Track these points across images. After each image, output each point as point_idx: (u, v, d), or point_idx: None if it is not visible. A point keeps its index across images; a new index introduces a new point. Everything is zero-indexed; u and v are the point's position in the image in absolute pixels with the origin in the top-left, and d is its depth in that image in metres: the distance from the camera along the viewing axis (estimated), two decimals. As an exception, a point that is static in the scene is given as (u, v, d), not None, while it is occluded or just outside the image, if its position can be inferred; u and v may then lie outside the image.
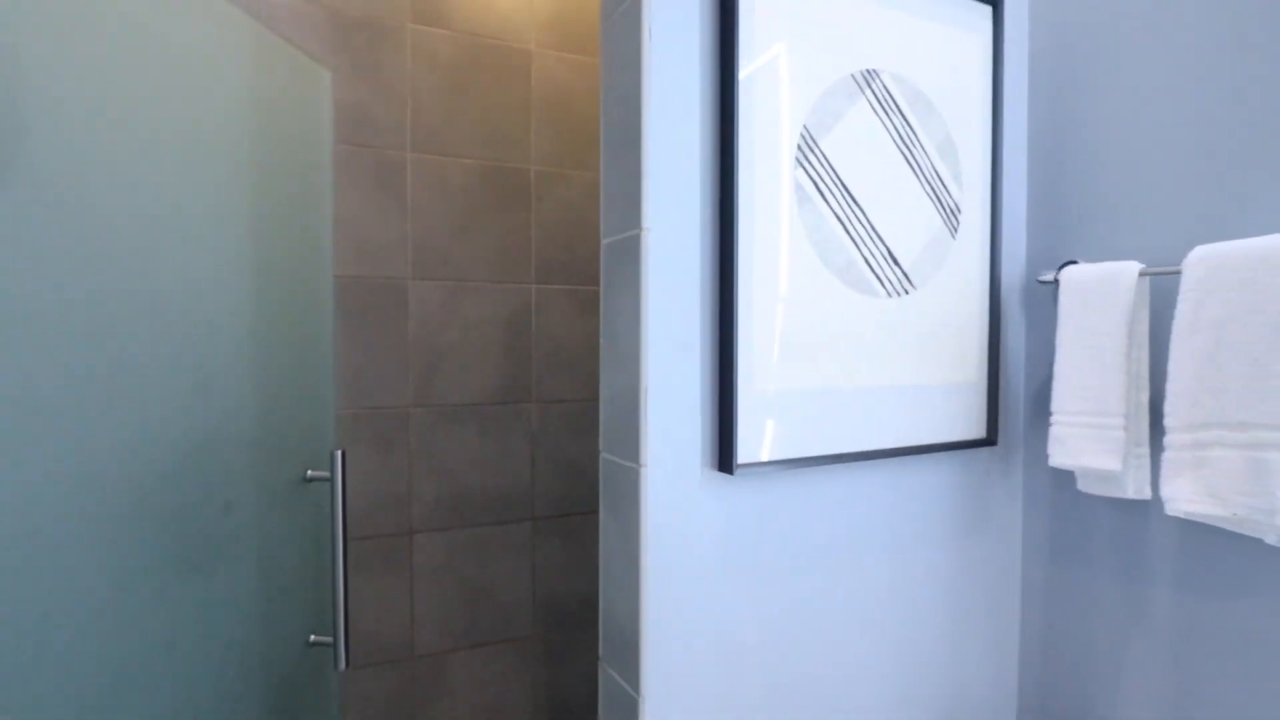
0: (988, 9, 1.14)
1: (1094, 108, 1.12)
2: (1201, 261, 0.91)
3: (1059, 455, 1.07)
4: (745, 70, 0.93)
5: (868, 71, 1.03)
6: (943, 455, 1.16)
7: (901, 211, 1.06)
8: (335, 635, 1.25)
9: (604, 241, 1.01)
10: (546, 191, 1.85)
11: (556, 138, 1.86)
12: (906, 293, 1.07)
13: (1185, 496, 0.90)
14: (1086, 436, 1.03)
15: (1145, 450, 1.01)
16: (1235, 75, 0.95)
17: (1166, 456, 0.92)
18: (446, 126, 1.74)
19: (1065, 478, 1.16)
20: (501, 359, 1.82)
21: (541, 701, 1.91)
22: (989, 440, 1.16)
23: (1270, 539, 0.87)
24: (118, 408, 0.88)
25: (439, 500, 1.75)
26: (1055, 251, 1.18)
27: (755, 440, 0.95)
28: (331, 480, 1.21)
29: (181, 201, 0.97)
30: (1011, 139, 1.21)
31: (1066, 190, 1.16)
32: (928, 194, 1.09)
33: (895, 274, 1.06)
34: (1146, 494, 1.01)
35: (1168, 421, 0.92)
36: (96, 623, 0.86)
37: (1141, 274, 1.00)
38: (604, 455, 1.01)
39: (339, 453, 1.21)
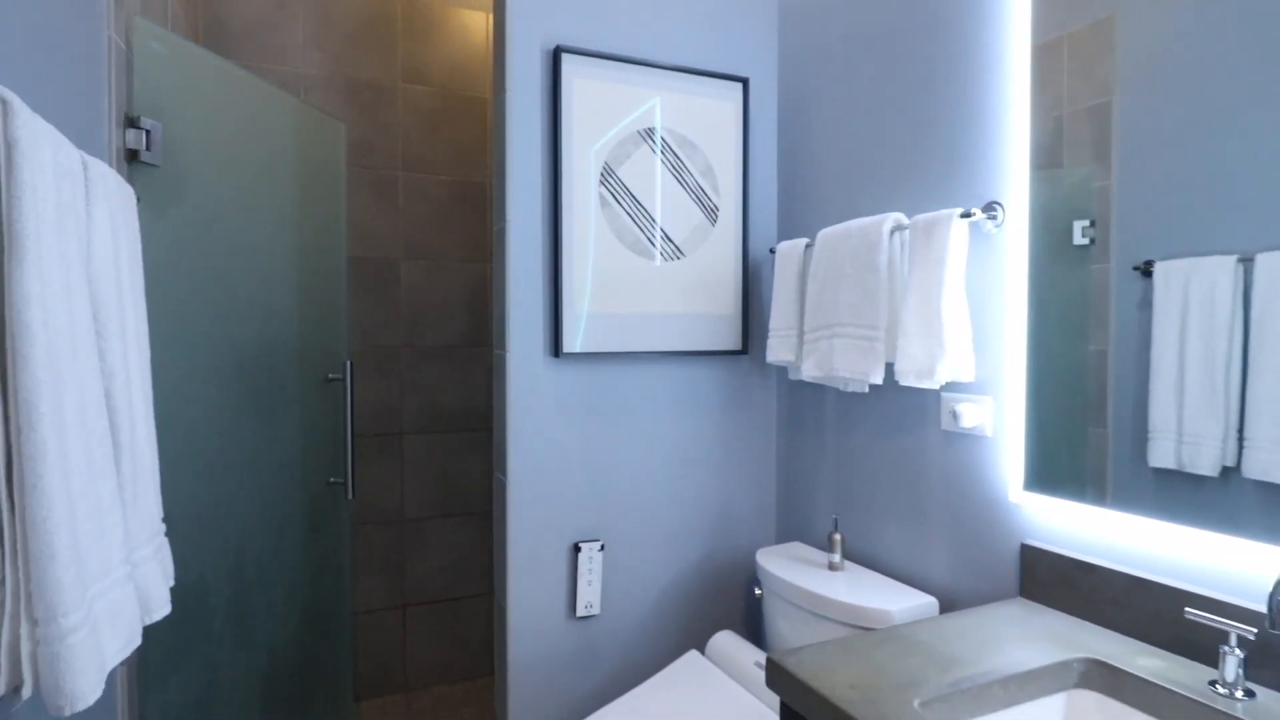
0: (739, 85, 1.86)
1: (810, 141, 1.82)
2: (821, 236, 1.61)
3: (770, 356, 1.77)
4: (566, 130, 1.66)
5: (648, 129, 1.75)
6: (712, 358, 1.87)
7: (674, 210, 1.78)
8: (345, 477, 2.01)
9: (495, 228, 1.75)
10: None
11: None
12: (679, 259, 1.79)
13: (808, 368, 1.61)
14: (780, 343, 1.74)
15: (800, 348, 1.72)
16: (870, 127, 1.66)
17: (804, 348, 1.63)
18: (427, 153, 2.50)
19: (785, 372, 1.87)
20: (466, 315, 2.58)
21: (488, 558, 2.66)
22: (744, 350, 1.87)
23: (852, 388, 1.58)
24: (230, 325, 1.65)
25: (421, 412, 2.52)
26: (793, 232, 1.89)
27: (574, 340, 1.68)
28: (343, 378, 1.98)
29: (264, 212, 1.74)
30: (765, 161, 1.92)
31: (795, 193, 1.87)
32: (693, 200, 1.81)
33: (670, 248, 1.78)
34: (802, 375, 1.72)
35: (805, 326, 1.63)
36: (218, 437, 1.63)
37: (806, 246, 1.70)
38: (495, 351, 1.75)
39: (348, 362, 1.98)
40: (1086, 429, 1.17)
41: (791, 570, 1.58)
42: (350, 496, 2.03)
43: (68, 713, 0.79)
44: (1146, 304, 1.09)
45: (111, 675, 1.33)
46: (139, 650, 1.46)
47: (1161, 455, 1.06)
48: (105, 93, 1.30)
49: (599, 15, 1.71)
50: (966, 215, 1.30)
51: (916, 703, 0.91)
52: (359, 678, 2.47)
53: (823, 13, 1.76)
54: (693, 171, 1.80)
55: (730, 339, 1.87)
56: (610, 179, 1.71)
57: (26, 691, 0.79)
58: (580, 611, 1.72)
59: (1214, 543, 1.00)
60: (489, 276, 2.62)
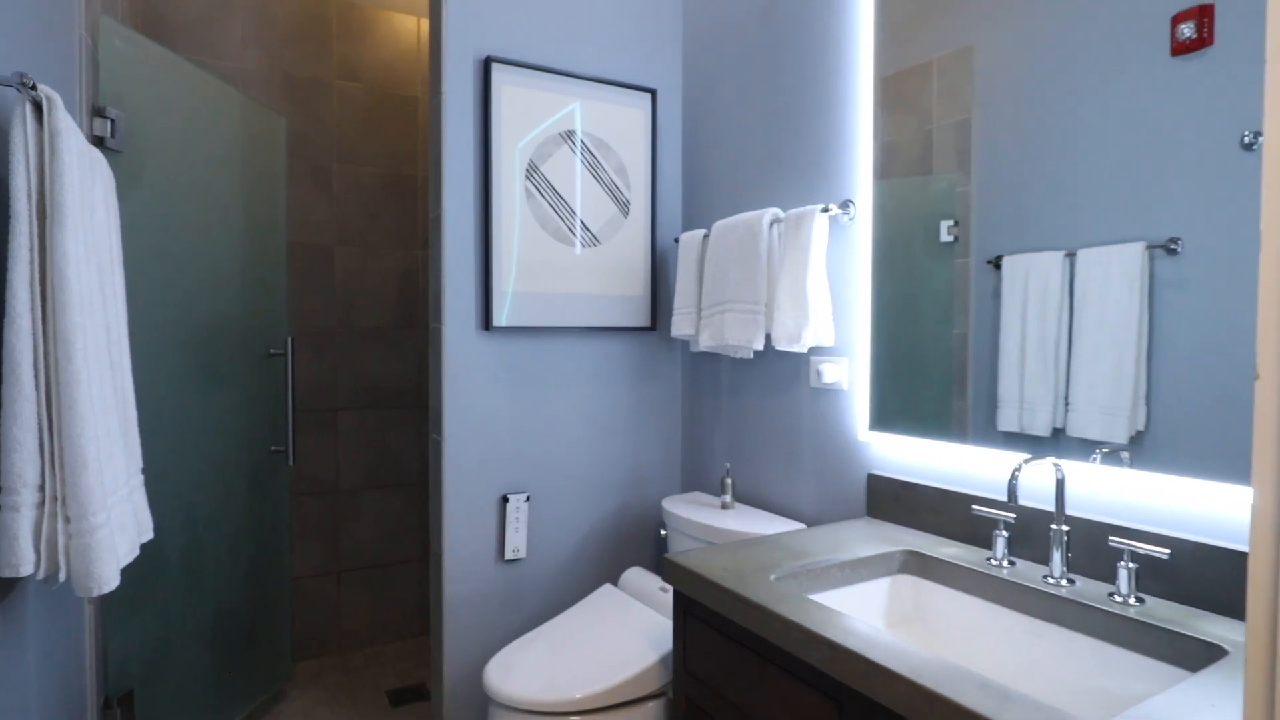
0: (649, 95, 2.13)
1: (709, 145, 2.11)
2: (716, 227, 1.90)
3: (674, 331, 2.05)
4: (496, 131, 1.89)
5: (569, 131, 2.00)
6: (625, 334, 2.13)
7: (591, 203, 2.04)
8: (287, 445, 2.17)
9: (431, 215, 1.96)
10: (427, 190, 2.79)
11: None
12: (595, 246, 2.05)
13: (705, 340, 1.90)
14: (682, 319, 2.02)
15: (699, 323, 2.00)
16: (756, 135, 1.96)
17: (701, 323, 1.91)
18: (360, 146, 2.67)
19: (687, 344, 2.15)
20: (397, 298, 2.75)
21: (420, 527, 2.84)
22: (652, 327, 2.15)
23: (740, 355, 1.87)
24: (182, 302, 1.80)
25: (355, 389, 2.68)
26: (694, 224, 2.17)
27: (503, 315, 1.91)
28: (285, 353, 2.14)
29: (213, 198, 1.89)
30: (671, 161, 2.20)
31: (696, 189, 2.16)
32: (608, 194, 2.07)
33: (588, 236, 2.04)
34: (700, 346, 2.00)
35: (702, 304, 1.92)
36: (172, 403, 1.78)
37: (705, 236, 1.99)
38: (431, 324, 1.96)
39: (289, 338, 2.14)
40: (947, 399, 1.45)
41: (691, 511, 1.87)
42: (291, 463, 2.19)
43: (95, 593, 0.98)
44: (997, 293, 1.34)
45: (80, 617, 1.48)
46: (103, 596, 1.60)
47: (1007, 421, 1.32)
48: (76, 84, 1.45)
49: (525, 30, 1.94)
50: (826, 210, 1.61)
51: (772, 577, 1.19)
52: (296, 639, 2.62)
53: (719, 37, 2.05)
54: (608, 169, 2.06)
55: (640, 317, 2.14)
56: (535, 174, 1.95)
57: (62, 576, 0.97)
58: (508, 555, 1.95)
59: (1000, 458, 1.34)
60: (420, 262, 2.80)
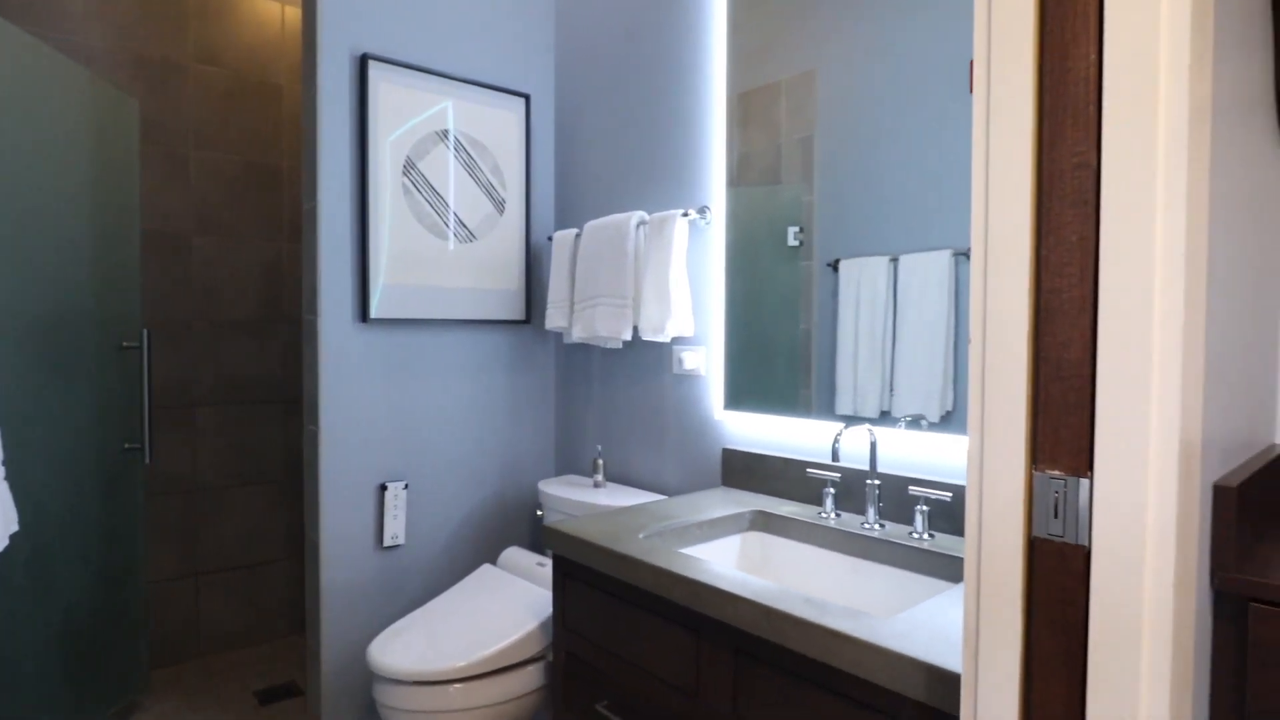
0: (523, 100, 2.24)
1: (581, 150, 2.25)
2: (587, 227, 2.04)
3: (548, 324, 2.18)
4: (373, 127, 1.93)
5: (445, 130, 2.07)
6: (501, 326, 2.23)
7: (467, 200, 2.12)
8: (143, 442, 2.09)
9: (305, 207, 1.97)
10: (292, 180, 2.74)
11: (300, 142, 2.75)
12: (472, 241, 2.14)
13: (577, 332, 2.04)
14: (556, 312, 2.15)
15: (571, 315, 2.15)
16: (625, 143, 2.11)
17: (574, 316, 2.05)
18: (221, 133, 2.58)
19: (561, 336, 2.29)
20: (262, 290, 2.69)
21: (287, 524, 2.79)
22: (527, 320, 2.26)
23: (610, 346, 2.03)
24: (25, 292, 1.71)
25: (216, 383, 2.59)
26: (566, 223, 2.31)
27: (380, 307, 1.96)
28: (140, 346, 2.06)
29: (60, 183, 1.80)
30: (545, 163, 2.32)
31: (569, 191, 2.29)
32: (484, 192, 2.16)
33: (464, 232, 2.12)
34: (573, 338, 2.15)
35: (575, 299, 2.06)
36: (15, 398, 1.69)
37: (577, 235, 2.13)
38: (306, 316, 1.97)
39: (145, 330, 2.07)
40: (793, 382, 1.67)
41: (566, 491, 2.00)
42: (148, 460, 2.11)
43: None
44: (835, 292, 1.56)
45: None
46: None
47: (843, 405, 1.55)
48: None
49: (403, 30, 1.99)
50: (686, 215, 1.81)
51: (641, 536, 1.36)
52: (154, 646, 2.49)
53: (590, 51, 2.20)
54: (484, 169, 2.16)
55: (516, 310, 2.24)
56: (412, 171, 2.01)
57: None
58: (387, 542, 2.00)
59: (830, 428, 1.58)
60: (286, 253, 2.74)
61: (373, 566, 1.99)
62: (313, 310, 1.91)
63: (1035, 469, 0.61)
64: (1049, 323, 0.60)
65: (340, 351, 1.92)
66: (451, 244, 2.09)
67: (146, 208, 2.45)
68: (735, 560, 1.51)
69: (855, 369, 1.52)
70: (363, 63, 1.91)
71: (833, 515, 1.47)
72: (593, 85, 2.19)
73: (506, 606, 1.79)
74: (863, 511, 1.48)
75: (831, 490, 1.47)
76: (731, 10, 1.76)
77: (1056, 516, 0.60)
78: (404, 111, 1.99)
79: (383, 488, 1.99)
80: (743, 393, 1.74)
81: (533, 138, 2.29)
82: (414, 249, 2.02)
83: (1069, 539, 0.60)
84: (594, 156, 2.19)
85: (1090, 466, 0.58)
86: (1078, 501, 0.59)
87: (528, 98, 2.24)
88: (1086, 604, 0.59)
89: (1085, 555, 0.59)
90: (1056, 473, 0.60)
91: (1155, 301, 0.55)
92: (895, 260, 1.45)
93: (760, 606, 1.01)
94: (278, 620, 2.77)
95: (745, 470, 1.73)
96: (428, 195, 2.04)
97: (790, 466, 1.62)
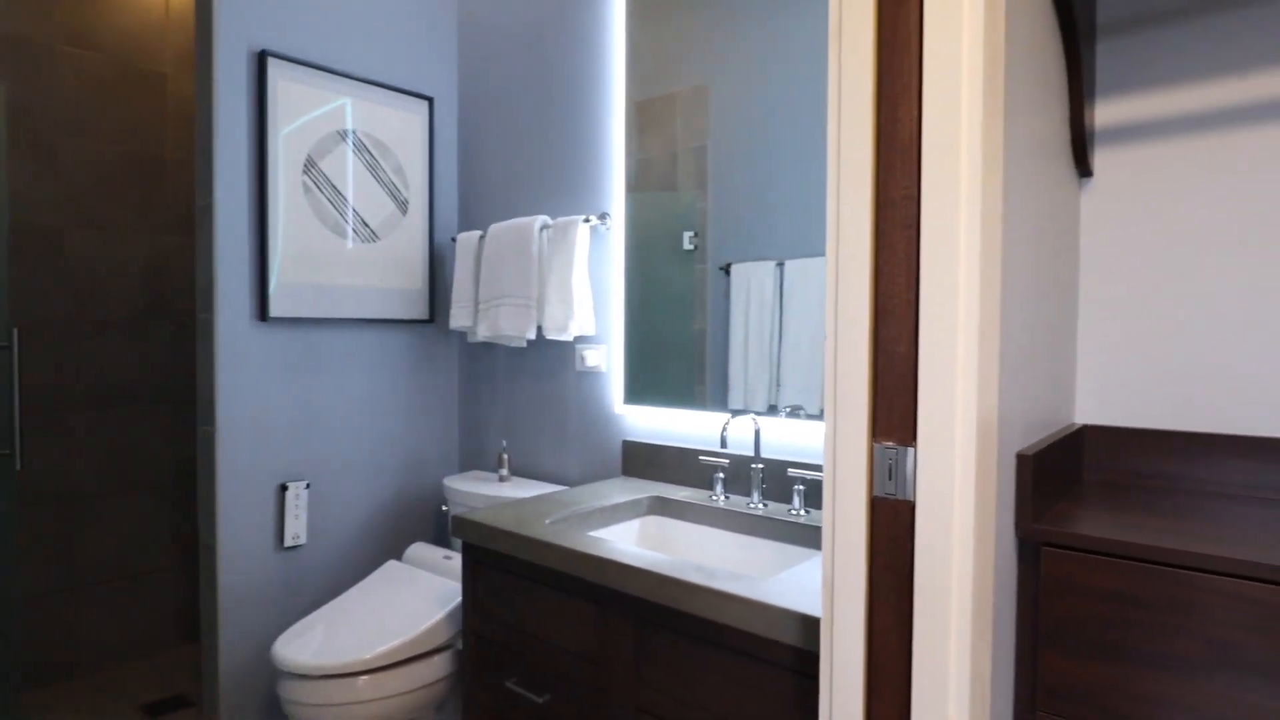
0: (426, 103, 2.27)
1: (485, 154, 2.31)
2: (492, 230, 2.11)
3: (453, 323, 2.22)
4: (272, 124, 1.92)
5: (347, 130, 2.08)
6: (404, 325, 2.26)
7: (370, 200, 2.14)
8: (13, 447, 1.98)
9: (199, 203, 1.93)
10: (178, 172, 2.64)
11: (186, 134, 2.65)
12: (374, 241, 2.15)
13: (482, 331, 2.10)
14: (460, 311, 2.20)
15: (476, 315, 2.21)
16: (528, 148, 2.18)
17: (479, 315, 2.11)
18: (97, 121, 2.45)
19: (465, 335, 2.34)
20: (146, 286, 2.57)
21: (175, 530, 2.69)
22: (431, 319, 2.30)
23: (514, 344, 2.10)
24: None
25: (94, 385, 2.46)
26: (471, 224, 2.36)
27: (280, 306, 1.95)
28: (9, 345, 1.95)
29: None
30: (448, 165, 2.36)
31: (472, 193, 2.34)
32: (387, 193, 2.18)
33: (366, 231, 2.13)
34: (478, 337, 2.21)
35: (479, 298, 2.12)
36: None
37: (481, 237, 2.19)
38: (201, 315, 1.93)
39: (14, 329, 1.96)
40: (688, 378, 1.79)
41: (471, 485, 2.06)
42: (19, 467, 2.00)
43: None
44: (728, 294, 1.69)
45: None
46: None
47: (735, 399, 1.68)
48: None
49: (304, 28, 1.99)
50: (588, 221, 1.91)
51: (547, 521, 1.45)
52: (28, 665, 2.34)
53: (494, 58, 2.26)
54: (386, 169, 2.18)
55: (419, 309, 2.28)
56: (313, 169, 2.01)
57: None
58: (288, 542, 1.99)
59: (720, 419, 1.72)
60: (173, 249, 2.63)
61: (273, 568, 1.97)
62: (208, 308, 1.88)
63: (875, 441, 0.76)
64: (884, 323, 0.74)
65: (238, 351, 1.90)
66: (354, 243, 2.10)
67: (19, 200, 2.30)
68: (635, 541, 1.63)
69: (746, 365, 1.67)
70: (261, 59, 1.89)
71: (722, 498, 1.61)
72: (497, 90, 2.25)
73: (413, 599, 1.84)
74: (749, 493, 1.63)
75: (721, 475, 1.62)
76: (630, 24, 1.88)
77: (891, 479, 0.75)
78: (305, 110, 1.98)
79: (283, 488, 1.98)
80: (642, 388, 1.86)
81: (436, 140, 2.32)
82: (315, 248, 2.02)
83: (900, 497, 0.74)
84: (498, 160, 2.25)
85: (915, 438, 0.73)
86: (906, 467, 0.74)
87: (431, 100, 2.28)
88: (912, 548, 0.74)
89: (911, 509, 0.74)
90: (890, 444, 0.75)
91: (959, 306, 0.70)
92: (782, 265, 1.60)
93: (657, 576, 1.13)
94: (166, 630, 2.66)
95: (644, 460, 1.85)
96: (329, 194, 2.04)
97: (685, 455, 1.76)
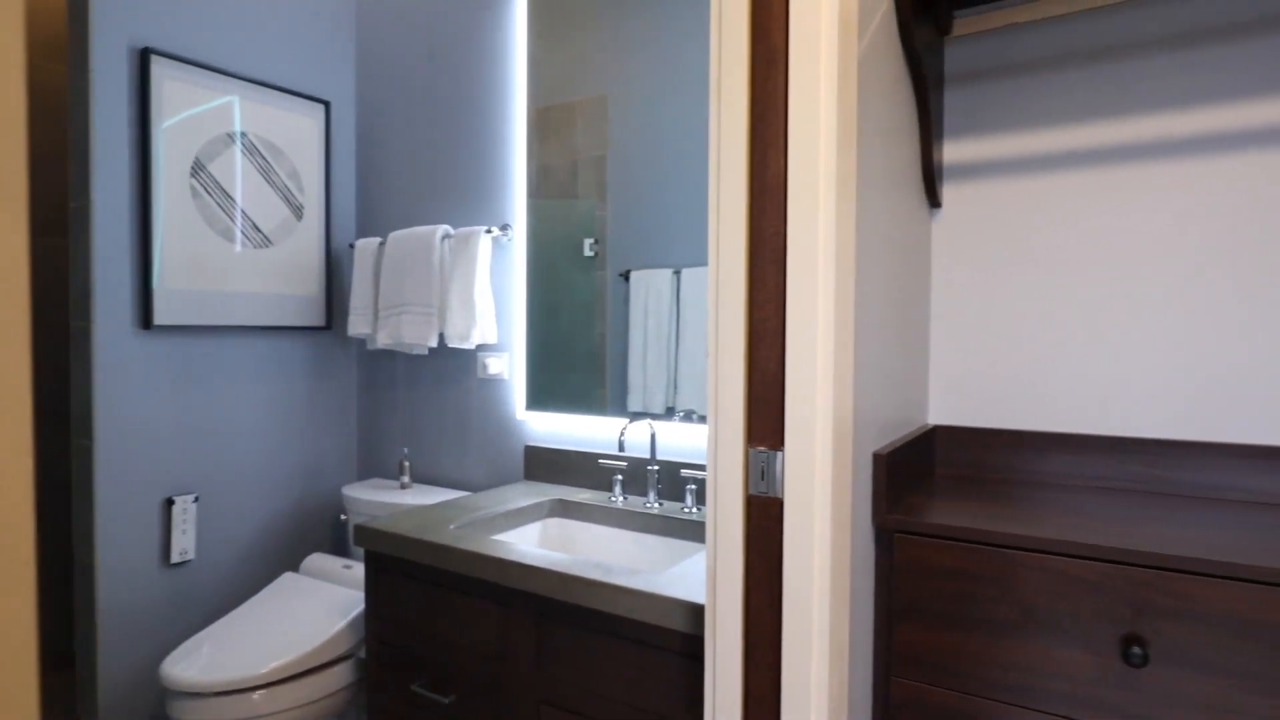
0: (323, 106, 2.24)
1: (384, 161, 2.29)
2: (392, 237, 2.10)
3: (351, 330, 2.20)
4: (156, 125, 1.85)
5: (238, 133, 2.03)
6: (300, 333, 2.22)
7: (262, 205, 2.09)
8: None
9: (73, 205, 1.83)
10: (44, 173, 2.47)
11: (54, 129, 2.49)
12: (267, 247, 2.11)
13: (382, 339, 2.10)
14: (359, 319, 2.18)
15: (376, 322, 2.20)
16: (429, 156, 2.19)
17: (379, 323, 2.11)
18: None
19: (364, 343, 2.32)
20: None
21: (42, 551, 2.52)
22: (328, 326, 2.27)
23: (416, 352, 2.11)
24: None
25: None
26: (369, 231, 2.34)
27: (165, 314, 1.88)
28: None
29: None
30: (346, 171, 2.33)
31: (371, 199, 2.33)
32: (281, 197, 2.14)
33: (259, 236, 2.08)
34: (378, 344, 2.20)
35: (379, 306, 2.11)
36: None
37: (381, 244, 2.18)
38: (77, 323, 1.83)
39: None
40: (588, 383, 1.86)
41: (371, 494, 2.06)
42: None
43: None
44: (627, 300, 1.76)
45: None
46: None
47: (634, 402, 1.76)
48: None
49: (191, 26, 1.92)
50: (490, 232, 1.95)
51: (451, 527, 1.49)
52: None
53: (393, 63, 2.26)
54: (280, 173, 2.13)
55: (315, 316, 2.24)
56: (201, 172, 1.95)
57: None
58: (175, 558, 1.92)
59: (619, 424, 1.81)
60: (40, 253, 2.46)
61: (159, 585, 1.90)
62: (85, 316, 1.79)
63: (750, 447, 0.86)
64: (757, 344, 0.85)
65: (118, 360, 1.82)
66: (246, 249, 2.05)
67: None
68: (538, 543, 1.69)
69: (644, 369, 1.76)
70: (144, 57, 1.82)
71: (620, 499, 1.70)
72: (396, 96, 2.25)
73: (312, 610, 1.82)
74: (645, 494, 1.72)
75: (620, 477, 1.71)
76: (531, 33, 1.93)
77: (763, 479, 0.85)
78: (192, 111, 1.92)
79: (169, 502, 1.91)
80: (544, 394, 1.92)
81: (333, 145, 2.29)
82: (204, 253, 1.96)
83: (771, 495, 0.85)
84: (398, 166, 2.25)
85: (783, 444, 0.84)
86: (775, 468, 0.84)
87: (328, 105, 2.25)
88: (781, 539, 0.85)
89: (780, 505, 0.85)
90: (762, 448, 0.85)
91: (819, 330, 0.81)
92: (679, 272, 1.70)
93: (558, 574, 1.20)
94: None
95: (546, 464, 1.91)
96: (218, 198, 1.99)
97: (586, 459, 1.84)
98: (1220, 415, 1.16)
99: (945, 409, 1.39)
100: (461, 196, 2.10)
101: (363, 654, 1.77)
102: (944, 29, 1.31)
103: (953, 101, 1.37)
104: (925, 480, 1.28)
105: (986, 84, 1.34)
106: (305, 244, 2.20)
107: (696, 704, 1.08)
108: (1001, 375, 1.34)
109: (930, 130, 1.27)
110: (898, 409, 1.18)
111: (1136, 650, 0.85)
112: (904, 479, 1.14)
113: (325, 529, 2.30)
